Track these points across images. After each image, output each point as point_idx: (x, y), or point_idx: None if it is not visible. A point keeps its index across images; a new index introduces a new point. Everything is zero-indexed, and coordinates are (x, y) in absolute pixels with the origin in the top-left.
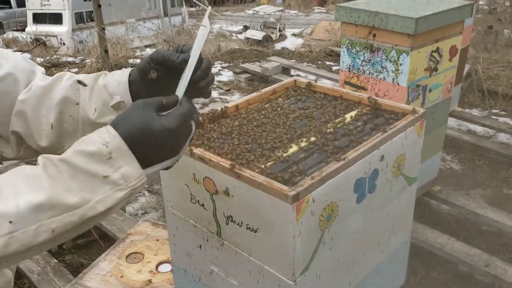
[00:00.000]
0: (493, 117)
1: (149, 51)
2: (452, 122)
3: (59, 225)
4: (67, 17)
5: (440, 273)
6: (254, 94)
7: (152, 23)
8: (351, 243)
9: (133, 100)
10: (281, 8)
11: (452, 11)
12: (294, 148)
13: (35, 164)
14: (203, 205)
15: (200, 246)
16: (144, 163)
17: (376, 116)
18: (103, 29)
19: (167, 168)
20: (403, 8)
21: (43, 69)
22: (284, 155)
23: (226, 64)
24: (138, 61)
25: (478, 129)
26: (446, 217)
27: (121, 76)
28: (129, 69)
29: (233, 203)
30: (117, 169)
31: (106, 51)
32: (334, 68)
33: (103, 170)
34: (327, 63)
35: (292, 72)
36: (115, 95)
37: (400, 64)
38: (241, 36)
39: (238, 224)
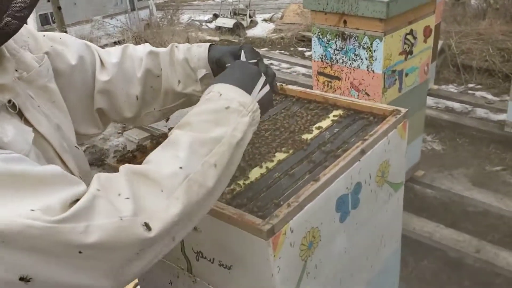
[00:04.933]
0: (470, 91)
1: None
2: (429, 100)
3: (217, 158)
4: (31, 19)
5: (431, 262)
6: None
7: (117, 20)
8: (338, 265)
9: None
10: None
11: None
12: (266, 167)
13: None
14: None
15: (171, 283)
16: (248, 92)
17: (354, 120)
18: (65, 31)
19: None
20: None
21: (87, 42)
22: (256, 177)
23: None
24: None
25: (456, 105)
26: (431, 202)
27: (200, 53)
28: (206, 46)
29: (201, 238)
30: (232, 100)
31: None
32: (307, 54)
33: (223, 103)
34: (300, 49)
35: (265, 61)
36: (197, 69)
37: (374, 51)
38: (212, 25)
39: (209, 261)
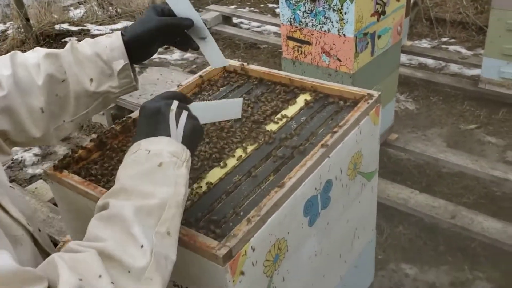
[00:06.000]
0: (443, 46)
1: (80, 11)
2: (402, 57)
3: (168, 225)
4: None
5: (406, 228)
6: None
7: None
8: (308, 271)
9: (131, 62)
10: None
11: None
12: (224, 169)
13: None
14: None
15: None
16: (167, 134)
17: (323, 105)
18: None
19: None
20: None
21: None
22: (213, 181)
23: None
24: (71, 27)
25: (429, 61)
26: (405, 165)
27: (112, 42)
28: (118, 34)
29: None
30: (161, 153)
31: (28, 19)
32: (277, 11)
33: (155, 161)
34: (270, 5)
35: (234, 20)
36: (112, 61)
37: (345, 13)
38: None
39: None
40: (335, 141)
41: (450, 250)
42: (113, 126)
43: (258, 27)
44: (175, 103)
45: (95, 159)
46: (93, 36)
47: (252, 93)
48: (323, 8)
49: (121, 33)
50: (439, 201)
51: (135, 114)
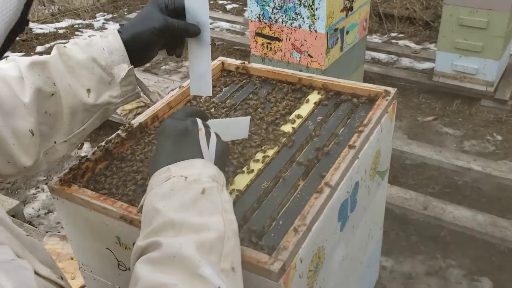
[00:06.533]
0: (393, 41)
1: None
2: None
3: (231, 259)
4: None
5: None
6: (175, 91)
7: None
8: (337, 277)
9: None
10: None
11: None
12: (249, 175)
13: None
14: None
15: None
16: (199, 155)
17: (336, 104)
18: None
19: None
20: None
21: None
22: (242, 187)
23: (110, 16)
24: None
25: (382, 56)
26: None
27: (110, 44)
28: (114, 33)
29: None
30: (200, 179)
31: None
32: (228, 7)
33: (197, 188)
34: (220, 2)
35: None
36: (112, 66)
37: (316, 9)
38: None
39: None
40: (363, 142)
41: (422, 240)
42: (118, 132)
43: (210, 24)
44: (199, 121)
45: (102, 170)
46: (37, 35)
47: (258, 93)
48: (294, 4)
49: (118, 31)
50: (411, 193)
51: (138, 120)
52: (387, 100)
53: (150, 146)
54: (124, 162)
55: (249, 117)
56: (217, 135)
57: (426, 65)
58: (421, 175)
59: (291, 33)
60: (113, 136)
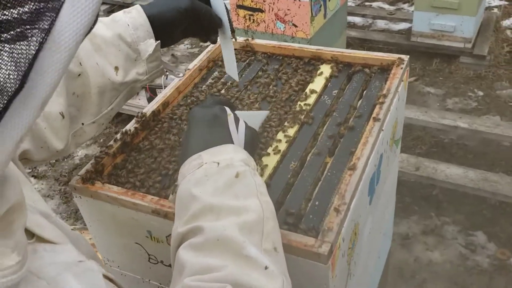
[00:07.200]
0: (366, 3)
1: None
2: None
3: (273, 239)
4: None
5: None
6: (183, 75)
7: None
8: (366, 250)
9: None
10: None
11: None
12: (275, 157)
13: None
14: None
15: None
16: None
17: (349, 76)
18: None
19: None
20: None
21: None
22: (270, 169)
23: None
24: None
25: (357, 19)
26: None
27: (134, 19)
28: (138, 8)
29: None
30: (233, 163)
31: None
32: None
33: (230, 173)
34: None
35: None
36: (138, 43)
37: None
38: None
39: None
40: (385, 113)
41: (415, 200)
42: (133, 123)
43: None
44: (227, 108)
45: (120, 163)
46: None
47: (267, 70)
48: None
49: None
50: (402, 155)
51: (150, 108)
52: (401, 68)
53: (168, 134)
54: (143, 153)
55: (267, 111)
56: (245, 121)
57: (402, 25)
58: (408, 136)
59: (273, 3)
60: (127, 127)
